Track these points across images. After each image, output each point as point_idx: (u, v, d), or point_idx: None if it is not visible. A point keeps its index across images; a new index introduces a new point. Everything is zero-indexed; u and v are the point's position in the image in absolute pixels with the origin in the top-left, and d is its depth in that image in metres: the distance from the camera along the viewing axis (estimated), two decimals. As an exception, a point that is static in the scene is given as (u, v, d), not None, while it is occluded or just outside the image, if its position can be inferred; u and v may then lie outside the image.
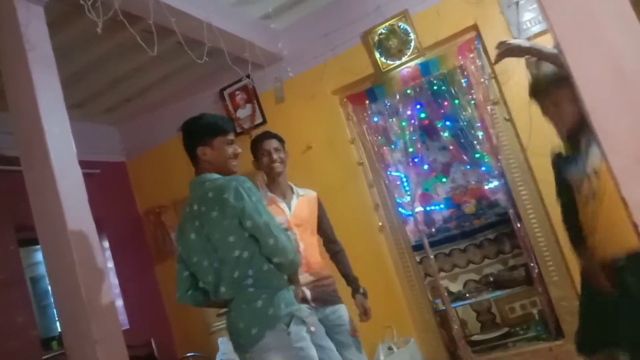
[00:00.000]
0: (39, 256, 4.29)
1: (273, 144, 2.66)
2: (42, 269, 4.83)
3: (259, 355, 1.82)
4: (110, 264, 4.56)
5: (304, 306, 2.16)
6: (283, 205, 2.63)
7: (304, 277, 2.53)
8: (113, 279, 4.55)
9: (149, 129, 4.80)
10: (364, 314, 2.71)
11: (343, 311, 2.64)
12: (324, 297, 2.58)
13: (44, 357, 3.54)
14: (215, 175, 2.00)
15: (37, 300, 4.78)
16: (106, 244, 4.59)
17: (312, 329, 2.27)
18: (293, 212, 2.63)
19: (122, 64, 3.91)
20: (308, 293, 2.52)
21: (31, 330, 3.66)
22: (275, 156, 2.63)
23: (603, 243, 1.95)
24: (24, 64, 2.03)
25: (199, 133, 2.03)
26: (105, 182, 4.59)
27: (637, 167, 1.05)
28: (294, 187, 2.75)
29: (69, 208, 1.96)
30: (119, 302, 4.49)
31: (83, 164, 4.21)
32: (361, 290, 2.75)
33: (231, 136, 2.05)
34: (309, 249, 2.64)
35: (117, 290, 4.50)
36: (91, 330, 1.79)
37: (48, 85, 2.08)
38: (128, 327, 4.41)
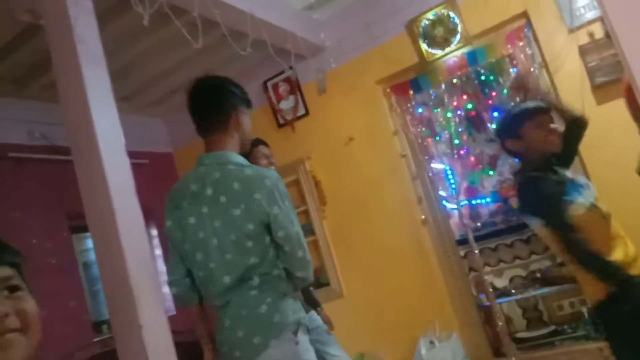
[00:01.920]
0: (90, 243, 4.47)
1: (266, 149, 2.70)
2: (93, 256, 5.02)
3: None
4: (159, 252, 4.69)
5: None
6: None
7: None
8: (161, 267, 4.69)
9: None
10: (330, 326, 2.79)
11: (313, 314, 2.68)
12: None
13: (95, 340, 3.68)
14: (240, 158, 1.78)
15: (89, 285, 4.97)
16: (155, 232, 4.72)
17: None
18: None
19: (168, 57, 3.98)
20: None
21: (83, 315, 3.82)
22: (272, 159, 2.68)
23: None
24: (73, 58, 2.09)
25: (238, 97, 1.86)
26: (154, 172, 4.72)
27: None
28: None
29: (117, 197, 2.01)
30: (166, 289, 4.61)
31: (132, 154, 4.36)
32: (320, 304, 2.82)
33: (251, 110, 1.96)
34: None
35: (165, 277, 4.63)
36: (137, 316, 1.83)
37: (97, 78, 2.14)
38: (174, 313, 4.53)
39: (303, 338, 1.71)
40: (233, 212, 1.67)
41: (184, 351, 4.06)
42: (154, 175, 4.72)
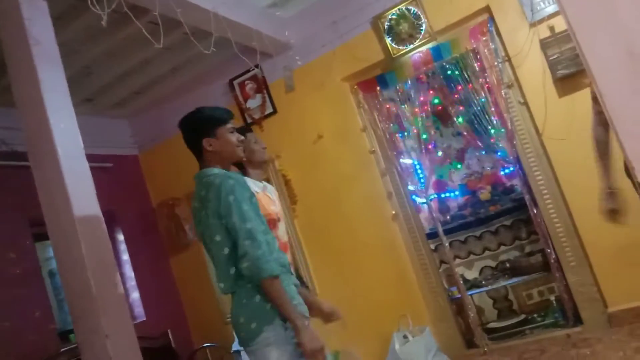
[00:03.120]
0: (56, 250, 4.35)
1: (255, 136, 2.69)
2: (59, 263, 4.89)
3: (259, 349, 1.83)
4: (126, 257, 4.60)
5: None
6: (271, 195, 2.61)
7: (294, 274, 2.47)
8: (129, 272, 4.60)
9: (160, 121, 4.79)
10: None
11: None
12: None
13: (62, 350, 3.58)
14: (216, 170, 1.97)
15: (55, 293, 4.85)
16: (121, 237, 4.63)
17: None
18: (278, 205, 2.63)
19: (131, 57, 3.90)
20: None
21: (49, 324, 3.71)
22: (262, 144, 2.66)
23: None
24: (28, 60, 2.02)
25: (202, 125, 2.02)
26: (118, 176, 4.62)
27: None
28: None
29: (77, 203, 1.95)
30: (135, 295, 4.53)
31: (95, 157, 4.31)
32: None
33: (232, 124, 2.05)
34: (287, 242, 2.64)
35: (133, 282, 4.55)
36: (101, 325, 1.78)
37: (53, 80, 2.07)
38: (145, 319, 4.45)
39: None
40: (202, 213, 1.91)
41: (155, 357, 4.01)
42: (119, 179, 4.62)
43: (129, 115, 4.94)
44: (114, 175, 4.55)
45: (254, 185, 2.54)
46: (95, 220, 1.98)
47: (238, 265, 1.84)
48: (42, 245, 4.47)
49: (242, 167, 2.58)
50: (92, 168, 4.20)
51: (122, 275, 4.55)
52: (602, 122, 2.20)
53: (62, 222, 1.92)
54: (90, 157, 4.12)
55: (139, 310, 4.52)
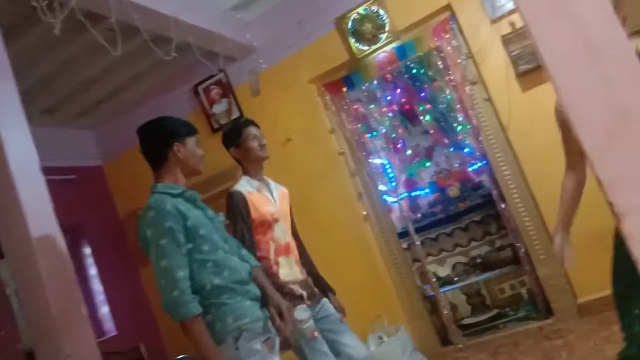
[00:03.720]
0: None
1: (257, 130, 2.53)
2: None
3: None
4: (94, 271, 4.47)
5: (261, 315, 1.96)
6: (267, 193, 2.51)
7: (296, 273, 2.45)
8: (97, 286, 4.47)
9: (124, 130, 4.67)
10: (343, 311, 2.60)
11: (326, 301, 2.53)
12: (313, 293, 2.48)
13: (29, 370, 3.45)
14: (160, 187, 1.94)
15: (22, 312, 4.68)
16: (88, 251, 4.50)
17: (316, 334, 2.29)
18: (278, 202, 2.52)
19: (91, 65, 3.79)
20: (304, 292, 2.40)
21: (15, 343, 3.57)
22: (263, 141, 2.51)
23: None
24: (-25, 73, 1.92)
25: (173, 131, 1.99)
26: (83, 188, 4.50)
27: (608, 142, 1.00)
28: (267, 178, 2.63)
29: (34, 221, 1.86)
30: (105, 309, 4.41)
31: (58, 170, 4.21)
32: (331, 289, 2.63)
33: (197, 138, 2.06)
34: (292, 243, 2.54)
35: (102, 297, 4.43)
36: (62, 345, 1.71)
37: (4, 93, 1.98)
38: (116, 333, 4.34)
39: (245, 345, 1.82)
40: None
41: (126, 372, 3.91)
42: (83, 191, 4.50)
43: (92, 126, 4.82)
44: (78, 188, 4.43)
45: (248, 184, 2.46)
46: (54, 238, 1.89)
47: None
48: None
49: (241, 164, 2.53)
50: (54, 181, 4.08)
51: (90, 290, 4.43)
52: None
53: (18, 241, 1.82)
54: (53, 170, 4.05)
55: (109, 325, 4.40)
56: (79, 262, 4.46)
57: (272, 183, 2.61)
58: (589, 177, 2.85)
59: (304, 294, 2.39)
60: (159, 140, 2.00)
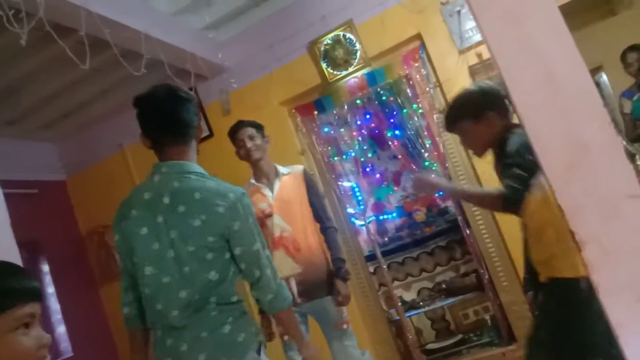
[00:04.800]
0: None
1: (247, 132, 2.66)
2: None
3: None
4: (51, 289, 4.31)
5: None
6: (266, 191, 2.64)
7: (289, 266, 2.48)
8: (54, 305, 4.31)
9: (89, 145, 4.60)
10: (346, 300, 2.61)
11: (327, 303, 2.56)
12: (310, 291, 2.52)
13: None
14: (201, 170, 1.67)
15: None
16: (46, 268, 4.35)
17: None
18: (275, 195, 2.61)
19: (58, 77, 3.72)
20: (294, 287, 2.45)
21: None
22: (250, 144, 2.62)
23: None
24: None
25: (198, 112, 1.78)
26: (44, 202, 4.36)
27: (569, 173, 1.03)
28: (278, 168, 2.74)
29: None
30: (62, 329, 4.25)
31: (18, 184, 4.08)
32: (341, 274, 2.61)
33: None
34: (298, 231, 2.56)
35: (59, 316, 4.26)
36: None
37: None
38: (72, 354, 4.17)
39: (264, 357, 1.67)
40: (192, 222, 1.57)
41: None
42: (44, 206, 4.37)
43: (56, 139, 4.70)
44: (39, 202, 4.29)
45: (247, 187, 2.59)
46: (10, 255, 1.82)
47: (256, 295, 1.66)
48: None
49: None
50: (14, 195, 3.97)
51: (46, 309, 4.26)
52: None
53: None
54: (13, 183, 3.92)
55: (66, 345, 4.23)
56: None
57: (282, 171, 2.70)
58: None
59: (295, 292, 2.43)
60: (187, 107, 1.73)
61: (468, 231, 3.63)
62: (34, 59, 3.35)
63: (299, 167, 2.79)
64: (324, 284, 2.59)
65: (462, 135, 2.03)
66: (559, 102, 1.06)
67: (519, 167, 1.74)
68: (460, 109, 1.97)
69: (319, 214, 2.70)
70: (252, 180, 2.72)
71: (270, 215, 2.54)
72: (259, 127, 2.72)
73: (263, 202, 2.57)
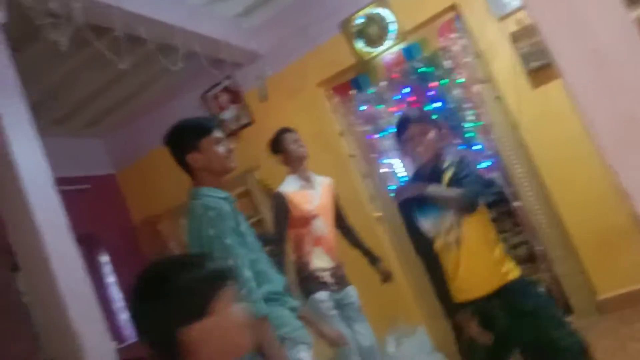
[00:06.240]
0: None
1: (293, 135, 2.91)
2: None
3: None
4: (112, 279, 4.50)
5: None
6: (310, 191, 2.85)
7: (326, 261, 2.80)
8: (116, 293, 4.50)
9: (134, 138, 4.72)
10: (388, 276, 3.08)
11: (352, 291, 2.90)
12: (341, 281, 2.84)
13: (49, 381, 3.48)
14: (205, 190, 1.86)
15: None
16: (105, 259, 4.53)
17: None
18: (320, 200, 2.86)
19: (99, 75, 3.80)
20: (330, 278, 2.77)
21: (34, 356, 3.61)
22: (300, 142, 2.89)
23: (465, 287, 2.07)
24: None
25: (183, 140, 1.89)
26: (97, 197, 4.53)
27: (627, 149, 0.98)
28: (313, 174, 2.97)
29: (48, 233, 1.88)
30: (125, 316, 4.44)
31: (71, 180, 4.23)
32: (378, 259, 3.10)
33: (218, 134, 1.91)
34: (331, 234, 2.89)
35: (122, 304, 4.45)
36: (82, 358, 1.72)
37: (13, 109, 2.00)
38: (136, 339, 4.36)
39: (289, 352, 1.79)
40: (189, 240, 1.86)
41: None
42: (97, 200, 4.52)
43: (102, 134, 4.85)
44: (92, 197, 4.45)
45: (292, 184, 2.83)
46: (70, 252, 1.91)
47: None
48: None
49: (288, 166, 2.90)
50: (68, 191, 4.12)
51: (109, 298, 4.46)
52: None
53: (34, 256, 1.85)
54: (66, 180, 4.07)
55: (129, 331, 4.43)
56: (96, 271, 4.49)
57: (318, 179, 2.96)
58: (603, 174, 2.84)
59: (330, 281, 2.76)
60: (175, 152, 1.93)
61: (517, 203, 3.54)
62: (74, 59, 3.44)
63: (329, 179, 3.08)
64: (346, 275, 2.95)
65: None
66: (609, 80, 1.00)
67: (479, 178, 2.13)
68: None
69: (344, 218, 3.10)
70: (298, 179, 2.86)
71: (315, 217, 2.79)
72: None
73: (310, 204, 2.79)
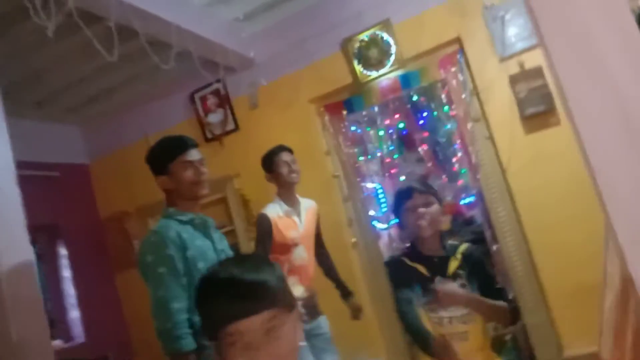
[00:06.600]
0: None
1: (289, 156, 2.79)
2: None
3: None
4: (67, 273, 4.30)
5: None
6: (295, 218, 2.75)
7: (299, 291, 2.56)
8: (70, 289, 4.30)
9: (114, 130, 4.56)
10: (358, 313, 3.00)
11: (324, 321, 2.83)
12: (313, 311, 2.74)
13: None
14: (170, 211, 1.87)
15: None
16: (63, 252, 4.33)
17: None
18: (304, 227, 2.76)
19: (86, 62, 3.64)
20: (300, 309, 2.54)
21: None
22: (294, 167, 2.75)
23: None
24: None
25: (154, 162, 1.90)
26: (65, 186, 4.34)
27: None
28: (299, 198, 2.87)
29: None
30: (75, 314, 4.24)
31: (40, 166, 4.05)
32: (349, 293, 3.02)
33: (190, 157, 1.86)
34: (310, 261, 2.79)
35: (74, 300, 4.25)
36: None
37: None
38: (84, 340, 4.17)
39: None
40: None
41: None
42: (66, 189, 4.34)
43: (81, 122, 4.67)
44: (60, 186, 4.27)
45: (278, 209, 2.70)
46: (21, 244, 1.76)
47: None
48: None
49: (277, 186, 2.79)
50: (37, 177, 3.94)
51: (61, 292, 4.26)
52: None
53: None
54: (35, 165, 3.89)
55: (78, 330, 4.23)
56: (53, 263, 4.29)
57: (303, 202, 2.85)
58: (585, 229, 2.80)
59: (301, 311, 2.47)
60: (151, 172, 1.94)
61: (495, 246, 3.49)
62: (62, 43, 3.28)
63: (313, 202, 2.99)
64: (318, 305, 2.86)
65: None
66: (637, 149, 0.93)
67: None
68: None
69: (322, 244, 3.01)
70: (284, 204, 2.76)
71: (297, 245, 2.67)
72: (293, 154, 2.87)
73: (294, 231, 2.68)
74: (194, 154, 1.87)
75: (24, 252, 1.83)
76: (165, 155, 1.85)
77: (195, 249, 1.78)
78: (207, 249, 1.84)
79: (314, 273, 2.84)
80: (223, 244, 1.97)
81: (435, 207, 2.02)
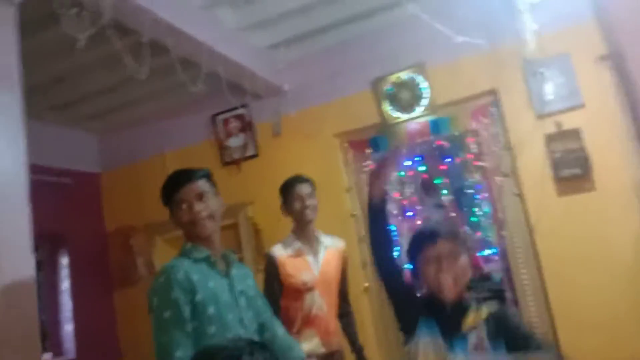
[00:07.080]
0: None
1: (306, 189, 2.51)
2: None
3: None
4: (66, 284, 4.16)
5: None
6: (310, 258, 2.46)
7: (316, 345, 2.34)
8: (66, 301, 4.16)
9: (130, 143, 4.48)
10: None
11: None
12: None
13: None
14: (187, 248, 1.76)
15: None
16: (65, 261, 4.20)
17: None
18: (321, 269, 2.44)
19: (112, 72, 3.59)
20: None
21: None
22: (308, 202, 2.48)
23: None
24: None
25: (162, 200, 1.80)
26: (75, 194, 4.24)
27: None
28: (320, 235, 2.57)
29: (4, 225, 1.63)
30: (69, 327, 4.09)
31: (52, 171, 3.95)
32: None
33: (182, 194, 1.71)
34: (330, 311, 2.46)
35: (69, 313, 4.10)
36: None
37: (5, 98, 1.76)
38: (74, 357, 4.00)
39: None
40: None
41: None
42: (74, 197, 4.23)
43: (98, 131, 4.60)
44: (70, 193, 4.17)
45: (285, 248, 2.43)
46: (24, 252, 1.65)
47: None
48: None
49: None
50: (48, 182, 3.84)
51: (57, 303, 4.12)
52: None
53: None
54: (47, 170, 3.80)
55: (69, 345, 4.07)
56: (53, 272, 4.16)
57: (325, 241, 2.53)
58: (612, 302, 2.58)
59: None
60: None
61: (514, 310, 3.31)
62: (91, 52, 3.21)
63: (341, 242, 2.67)
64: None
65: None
66: None
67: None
68: None
69: (345, 296, 2.66)
70: (296, 241, 2.50)
71: (311, 290, 2.36)
72: (314, 187, 2.58)
73: (307, 272, 2.39)
74: (187, 192, 1.71)
75: (25, 268, 1.73)
76: (164, 195, 1.76)
77: (206, 291, 1.64)
78: (222, 291, 1.69)
79: (335, 329, 2.50)
80: (245, 284, 1.79)
81: (463, 260, 1.62)
